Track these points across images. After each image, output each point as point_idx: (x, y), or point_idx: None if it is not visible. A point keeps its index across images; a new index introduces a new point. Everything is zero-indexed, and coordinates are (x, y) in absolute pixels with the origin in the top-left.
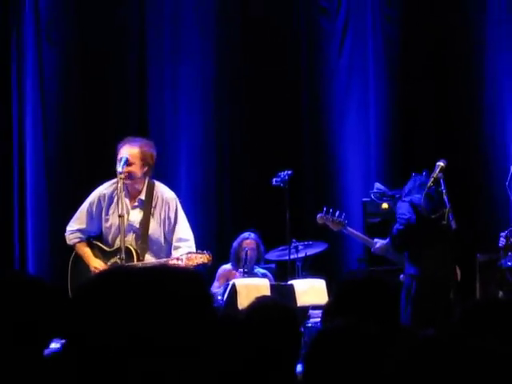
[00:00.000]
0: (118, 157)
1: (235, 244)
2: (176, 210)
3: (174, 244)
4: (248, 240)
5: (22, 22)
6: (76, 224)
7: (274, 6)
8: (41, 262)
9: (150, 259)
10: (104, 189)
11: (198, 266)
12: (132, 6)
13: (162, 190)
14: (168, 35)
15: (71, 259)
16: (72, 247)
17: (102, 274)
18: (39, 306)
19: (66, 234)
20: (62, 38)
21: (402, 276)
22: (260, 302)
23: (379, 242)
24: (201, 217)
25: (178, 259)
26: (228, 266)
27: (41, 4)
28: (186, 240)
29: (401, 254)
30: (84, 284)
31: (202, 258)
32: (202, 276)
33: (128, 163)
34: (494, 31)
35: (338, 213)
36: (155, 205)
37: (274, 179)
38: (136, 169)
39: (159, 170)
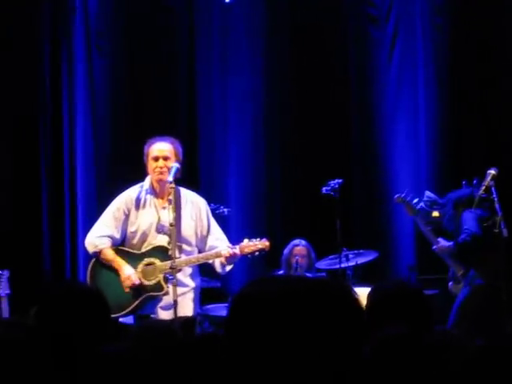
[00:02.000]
0: (152, 155)
1: (286, 251)
2: (207, 212)
3: (212, 244)
4: (299, 247)
5: (73, 34)
6: (103, 229)
7: (322, 15)
8: None
9: (184, 258)
10: (131, 192)
11: (254, 253)
12: (181, 16)
13: (189, 193)
14: (217, 45)
15: (90, 269)
16: (93, 255)
17: (256, 287)
18: (94, 314)
19: (90, 240)
20: (111, 48)
21: (450, 284)
22: None
23: (442, 242)
24: (251, 226)
25: (231, 247)
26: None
27: (91, 16)
28: (223, 240)
29: (463, 263)
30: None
31: (259, 245)
32: (352, 289)
33: (165, 158)
34: None
35: (417, 200)
36: (185, 206)
37: (324, 188)
38: (172, 164)
39: (210, 180)
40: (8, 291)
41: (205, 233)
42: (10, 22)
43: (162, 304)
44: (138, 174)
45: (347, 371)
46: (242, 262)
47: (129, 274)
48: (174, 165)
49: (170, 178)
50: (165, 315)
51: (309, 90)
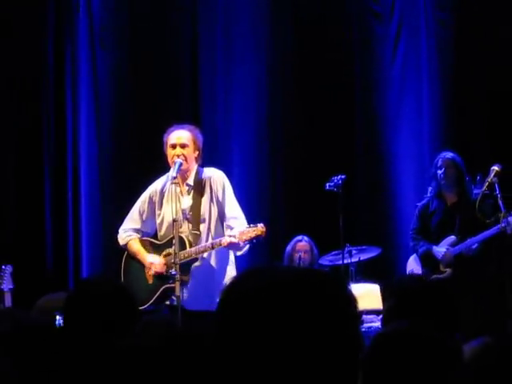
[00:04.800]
0: (170, 143)
1: (288, 248)
2: (223, 187)
3: (227, 223)
4: (301, 243)
5: (76, 31)
6: (130, 224)
7: (326, 10)
8: (94, 266)
9: (187, 250)
10: (156, 184)
11: (252, 240)
12: (185, 9)
13: (209, 171)
14: (220, 37)
15: (123, 263)
16: (124, 248)
17: (243, 277)
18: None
19: (119, 234)
20: (115, 42)
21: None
22: None
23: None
24: (254, 222)
25: (230, 236)
26: None
27: (94, 13)
28: (238, 218)
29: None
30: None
31: (256, 231)
32: (342, 277)
33: (182, 146)
34: None
35: None
36: (204, 186)
37: (328, 184)
38: (190, 151)
39: None
40: (11, 286)
41: (221, 209)
42: (14, 19)
43: (188, 294)
44: (142, 166)
45: (342, 370)
46: (243, 259)
47: (151, 260)
48: (178, 160)
49: (174, 174)
50: (193, 304)
51: (312, 86)
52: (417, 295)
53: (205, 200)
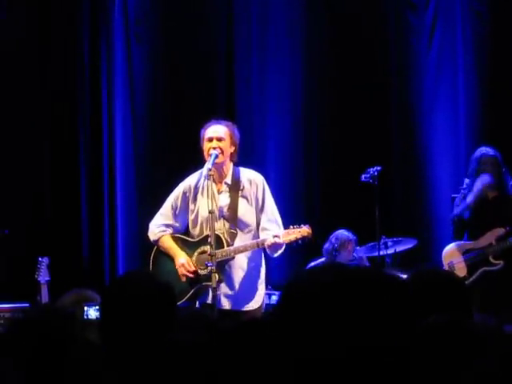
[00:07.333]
0: (207, 137)
1: (336, 242)
2: (264, 190)
3: (264, 225)
4: (352, 241)
5: (112, 22)
6: (162, 219)
7: (361, 2)
8: (130, 261)
9: (231, 247)
10: (190, 179)
11: (297, 241)
12: (220, 4)
13: (249, 173)
14: (255, 32)
15: (152, 257)
16: (154, 243)
17: (312, 274)
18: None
19: (150, 229)
20: (149, 35)
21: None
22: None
23: None
24: (289, 214)
25: (275, 236)
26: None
27: (129, 3)
28: (275, 221)
29: None
30: (294, 286)
31: (302, 232)
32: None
33: (219, 139)
34: None
35: None
36: (243, 187)
37: (363, 175)
38: (226, 145)
39: (248, 167)
40: (48, 278)
41: (259, 212)
42: (50, 10)
43: (222, 292)
44: (177, 160)
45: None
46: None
47: (182, 261)
48: (213, 152)
49: (209, 166)
50: (226, 303)
51: (348, 77)
52: (431, 289)
53: (243, 201)
